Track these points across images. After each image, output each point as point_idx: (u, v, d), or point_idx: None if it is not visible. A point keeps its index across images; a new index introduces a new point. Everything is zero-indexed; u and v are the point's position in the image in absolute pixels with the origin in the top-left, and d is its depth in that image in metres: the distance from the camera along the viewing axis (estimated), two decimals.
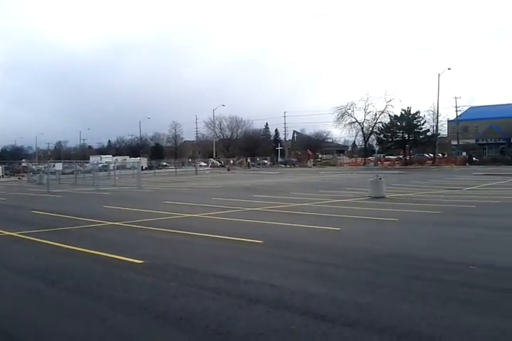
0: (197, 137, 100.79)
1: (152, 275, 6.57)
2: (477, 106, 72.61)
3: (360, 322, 4.54)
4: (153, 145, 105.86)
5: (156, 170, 54.66)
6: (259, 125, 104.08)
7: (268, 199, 18.09)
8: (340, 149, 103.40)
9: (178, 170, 55.53)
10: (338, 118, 70.40)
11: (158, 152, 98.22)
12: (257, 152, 79.99)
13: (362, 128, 69.91)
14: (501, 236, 9.41)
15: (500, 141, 67.35)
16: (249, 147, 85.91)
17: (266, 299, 5.28)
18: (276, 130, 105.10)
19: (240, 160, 70.01)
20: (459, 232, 10.10)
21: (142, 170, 38.53)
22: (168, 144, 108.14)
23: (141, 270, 6.93)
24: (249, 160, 68.21)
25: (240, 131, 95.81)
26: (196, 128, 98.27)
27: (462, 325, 4.42)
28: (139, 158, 58.20)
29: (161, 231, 10.49)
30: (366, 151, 72.90)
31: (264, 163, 69.70)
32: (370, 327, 4.39)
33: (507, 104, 67.53)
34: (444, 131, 69.73)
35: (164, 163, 70.68)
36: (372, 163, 63.51)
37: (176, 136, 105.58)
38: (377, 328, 4.35)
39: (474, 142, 69.54)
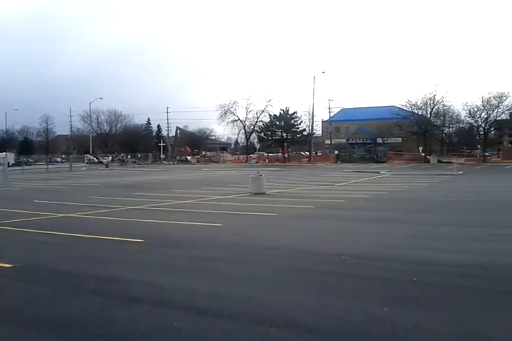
0: (71, 131, 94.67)
1: (23, 280, 6.09)
2: (348, 108, 78.57)
3: (241, 314, 4.70)
4: (22, 139, 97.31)
5: (26, 167, 50.35)
6: (140, 120, 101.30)
7: (149, 196, 17.73)
8: (224, 146, 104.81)
9: (50, 166, 51.71)
10: (221, 116, 71.56)
11: (27, 147, 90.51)
12: (138, 148, 77.59)
13: (244, 126, 71.83)
14: (368, 228, 10.34)
15: (368, 141, 73.83)
16: (130, 143, 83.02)
17: (148, 298, 5.21)
18: (158, 126, 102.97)
19: (118, 157, 67.31)
20: (331, 225, 10.88)
21: (9, 166, 35.20)
22: (39, 138, 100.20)
23: (11, 274, 6.39)
24: (129, 157, 65.93)
25: (119, 125, 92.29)
26: (70, 121, 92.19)
27: (332, 310, 4.80)
28: (4, 153, 53.06)
29: (33, 233, 9.74)
30: (248, 149, 74.99)
31: (146, 160, 67.95)
32: (250, 319, 4.57)
33: (374, 107, 74.19)
34: (318, 130, 74.67)
35: (32, 160, 65.38)
36: (254, 161, 65.42)
37: (47, 129, 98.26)
38: (257, 320, 4.55)
39: (345, 141, 75.28)
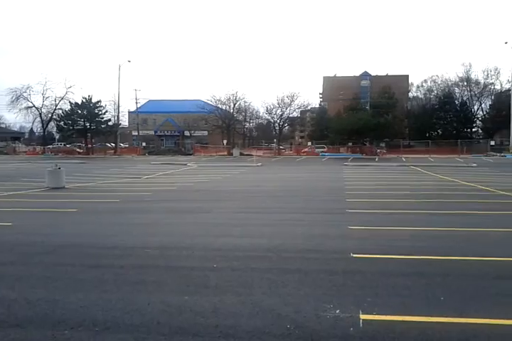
0: None
1: None
2: (155, 100, 78.01)
3: (31, 320, 4.28)
4: None
5: None
6: None
7: None
8: (16, 136, 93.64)
9: None
10: (13, 102, 63.65)
11: None
12: None
13: (40, 114, 65.26)
14: (174, 219, 10.46)
15: (176, 134, 74.57)
16: None
17: None
18: None
19: None
20: (137, 218, 10.68)
21: None
22: None
23: None
24: None
25: None
26: None
27: (133, 304, 4.71)
28: None
29: None
30: (45, 139, 68.48)
31: None
32: (42, 324, 4.19)
33: (181, 100, 75.20)
34: (125, 121, 72.34)
35: None
36: (51, 152, 60.06)
37: None
38: (49, 323, 4.20)
39: (153, 133, 74.68)
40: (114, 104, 64.39)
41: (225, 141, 62.14)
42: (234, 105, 63.01)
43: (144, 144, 65.75)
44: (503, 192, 15.12)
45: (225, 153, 56.83)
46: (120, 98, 64.80)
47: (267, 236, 8.22)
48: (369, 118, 59.62)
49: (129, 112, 72.83)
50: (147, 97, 78.02)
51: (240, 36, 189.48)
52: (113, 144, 66.48)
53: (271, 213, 11.35)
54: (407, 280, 5.50)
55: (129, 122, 73.74)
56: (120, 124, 66.26)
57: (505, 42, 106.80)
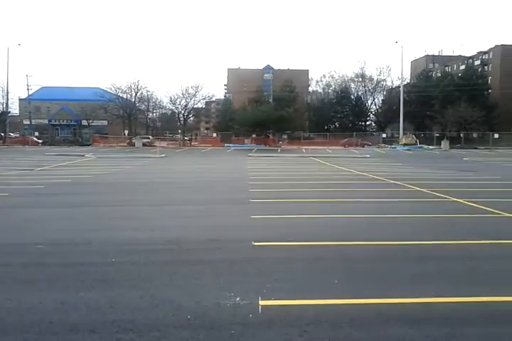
0: None
1: None
2: (49, 87, 72.82)
3: None
4: None
5: None
6: None
7: None
8: None
9: None
10: None
11: None
12: None
13: None
14: (69, 214, 9.87)
15: (72, 123, 70.37)
16: None
17: None
18: None
19: None
20: (27, 213, 9.95)
21: None
22: None
23: None
24: None
25: None
26: None
27: (24, 304, 4.40)
28: None
29: None
30: None
31: None
32: None
33: (78, 88, 70.99)
34: (15, 109, 66.78)
35: None
36: None
37: None
38: None
39: (47, 122, 69.83)
40: (2, 90, 59.16)
41: (126, 132, 59.99)
42: (136, 94, 61.09)
43: (36, 134, 61.22)
44: (393, 181, 16.34)
45: (127, 144, 54.90)
46: (9, 84, 59.35)
47: (168, 229, 8.11)
48: (272, 110, 61.10)
49: (20, 99, 67.31)
50: (40, 84, 72.72)
51: (143, 23, 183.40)
52: (2, 134, 61.13)
53: (173, 205, 11.20)
54: (306, 265, 5.75)
55: (19, 110, 68.15)
56: (9, 112, 61.05)
57: (396, 42, 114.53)
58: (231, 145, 56.07)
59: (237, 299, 4.54)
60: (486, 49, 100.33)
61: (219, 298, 4.58)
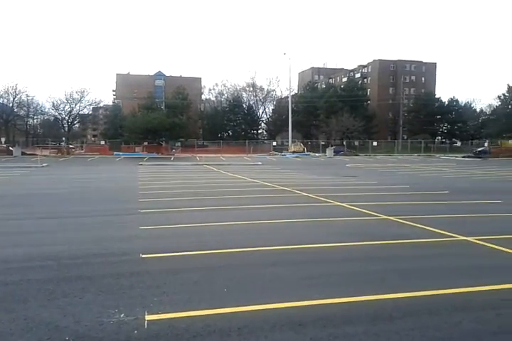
0: None
1: None
2: None
3: None
4: None
5: None
6: None
7: None
8: None
9: None
10: None
11: None
12: None
13: None
14: None
15: None
16: None
17: None
18: None
19: None
20: None
21: None
22: None
23: None
24: None
25: None
26: None
27: None
28: None
29: None
30: None
31: None
32: None
33: None
34: None
35: None
36: None
37: None
38: None
39: None
40: None
41: (3, 139, 55.00)
42: (13, 99, 56.35)
43: None
44: (283, 188, 16.91)
45: (4, 152, 50.27)
46: None
47: (49, 243, 7.53)
48: (164, 117, 60.21)
49: None
50: None
51: (22, 20, 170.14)
52: None
53: (53, 218, 10.40)
54: (196, 275, 5.66)
55: None
56: None
57: (284, 54, 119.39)
58: (120, 153, 54.03)
59: (122, 315, 4.31)
60: (365, 63, 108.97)
61: (102, 315, 4.31)
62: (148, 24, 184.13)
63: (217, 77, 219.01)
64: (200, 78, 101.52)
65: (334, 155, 56.08)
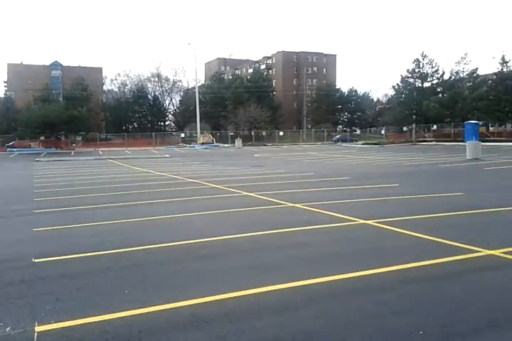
0: None
1: None
2: None
3: None
4: None
5: None
6: None
7: None
8: None
9: None
10: None
11: None
12: None
13: None
14: None
15: None
16: None
17: None
18: None
19: None
20: None
21: None
22: None
23: None
24: None
25: None
26: None
27: None
28: None
29: None
30: None
31: None
32: None
33: None
34: None
35: None
36: None
37: None
38: None
39: None
40: None
41: None
42: None
43: None
44: (191, 180, 16.62)
45: None
46: None
47: None
48: (62, 110, 56.72)
49: None
50: None
51: None
52: None
53: None
54: (93, 278, 5.27)
55: None
56: None
57: (189, 43, 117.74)
58: (14, 149, 50.06)
59: (8, 329, 3.86)
60: (270, 54, 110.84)
61: None
62: (41, 8, 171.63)
63: (120, 67, 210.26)
64: (101, 68, 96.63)
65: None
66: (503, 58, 63.99)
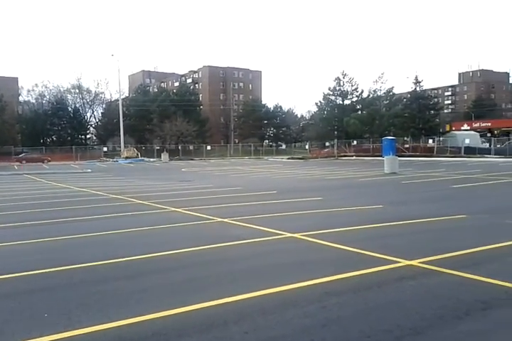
0: None
1: None
2: None
3: None
4: None
5: None
6: None
7: None
8: None
9: None
10: None
11: None
12: None
13: None
14: None
15: None
16: None
17: None
18: None
19: None
20: None
21: None
22: None
23: None
24: None
25: None
26: None
27: None
28: None
29: None
30: None
31: None
32: None
33: None
34: None
35: None
36: None
37: None
38: None
39: None
40: None
41: None
42: None
43: None
44: (115, 196, 16.02)
45: None
46: None
47: None
48: None
49: None
50: None
51: None
52: None
53: None
54: (11, 302, 4.87)
55: None
56: None
57: (112, 55, 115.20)
58: None
59: None
60: (196, 68, 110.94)
61: None
62: None
63: (37, 78, 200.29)
64: (17, 78, 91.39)
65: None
66: (416, 78, 69.06)
